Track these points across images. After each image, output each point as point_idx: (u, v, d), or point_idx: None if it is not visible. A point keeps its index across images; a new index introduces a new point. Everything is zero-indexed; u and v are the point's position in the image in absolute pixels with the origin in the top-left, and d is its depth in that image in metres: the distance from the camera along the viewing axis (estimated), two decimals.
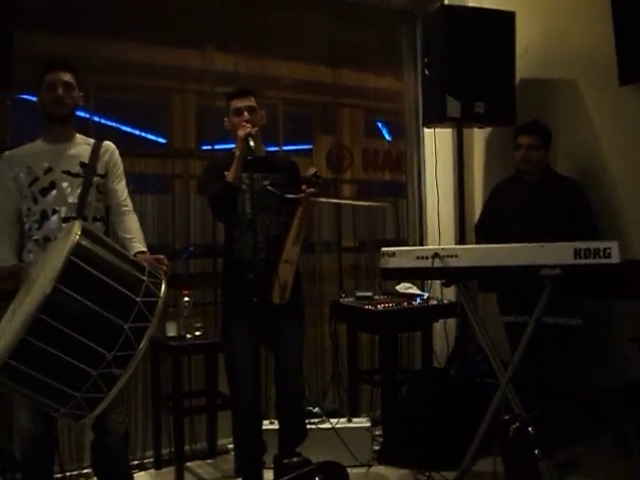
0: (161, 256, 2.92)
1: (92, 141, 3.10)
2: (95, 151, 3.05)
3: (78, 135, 3.10)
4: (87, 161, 3.01)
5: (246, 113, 3.35)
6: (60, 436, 3.36)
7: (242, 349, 3.33)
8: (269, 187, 3.30)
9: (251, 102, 3.40)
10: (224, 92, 3.89)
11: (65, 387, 2.30)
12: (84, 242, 2.38)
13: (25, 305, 2.38)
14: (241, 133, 3.22)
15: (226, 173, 3.30)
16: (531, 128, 3.91)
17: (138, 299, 2.40)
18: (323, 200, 3.51)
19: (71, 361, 2.27)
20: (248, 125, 3.25)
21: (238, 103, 3.39)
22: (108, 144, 3.13)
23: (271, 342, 3.43)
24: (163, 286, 2.53)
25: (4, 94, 3.66)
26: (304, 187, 3.32)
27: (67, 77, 2.98)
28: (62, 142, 3.02)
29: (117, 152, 3.14)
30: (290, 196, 3.31)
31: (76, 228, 2.43)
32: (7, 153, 3.04)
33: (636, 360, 3.45)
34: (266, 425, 3.66)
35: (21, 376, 2.28)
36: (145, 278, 2.48)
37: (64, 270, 2.26)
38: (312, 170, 3.40)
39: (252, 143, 3.17)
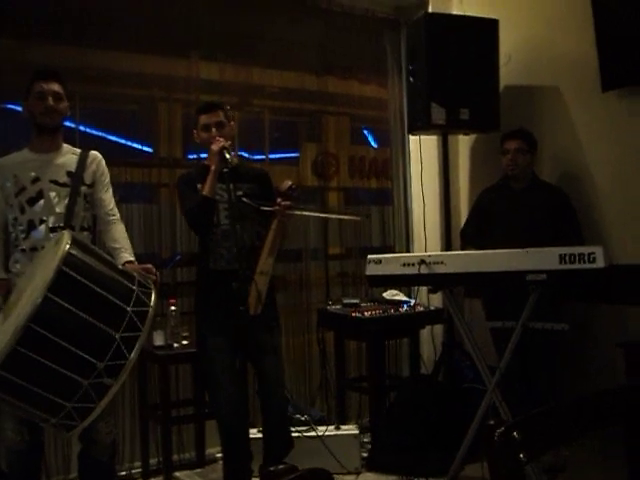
0: (149, 265, 2.92)
1: (79, 151, 3.10)
2: (82, 160, 3.05)
3: (65, 145, 3.09)
4: (74, 170, 3.01)
5: (214, 130, 3.37)
6: (47, 447, 3.34)
7: (222, 358, 3.34)
8: (244, 199, 3.31)
9: (219, 117, 3.42)
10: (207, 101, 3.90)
11: (56, 397, 2.29)
12: (74, 252, 2.38)
13: (15, 315, 2.37)
14: (215, 147, 3.24)
15: (199, 186, 3.31)
16: (518, 133, 3.96)
17: (129, 308, 2.40)
18: (297, 213, 3.52)
19: (62, 371, 2.26)
20: (221, 139, 3.27)
21: (206, 119, 3.41)
22: (95, 154, 3.13)
23: (249, 353, 3.43)
24: (153, 295, 2.54)
25: None
26: (279, 200, 3.33)
27: (56, 87, 2.97)
28: (49, 152, 3.01)
29: (104, 161, 3.14)
30: (265, 208, 3.32)
31: (66, 238, 2.43)
32: None
33: (622, 364, 3.47)
34: (253, 434, 3.65)
35: (11, 387, 2.27)
36: (135, 287, 2.49)
37: (55, 279, 2.26)
38: (287, 183, 3.41)
39: (228, 155, 3.18)
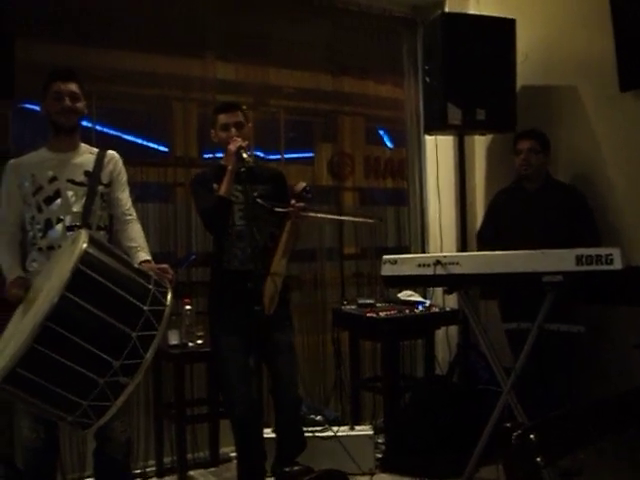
0: (165, 265, 2.92)
1: (96, 150, 3.12)
2: (99, 160, 3.06)
3: (82, 144, 3.11)
4: (92, 170, 3.02)
5: (233, 129, 3.38)
6: (62, 445, 3.36)
7: (236, 358, 3.35)
8: (259, 200, 3.31)
9: (238, 117, 3.43)
10: (226, 101, 3.92)
11: (72, 395, 2.31)
12: (91, 250, 2.39)
13: (32, 314, 2.39)
14: (232, 147, 3.24)
15: (215, 186, 3.32)
16: (531, 133, 3.95)
17: (145, 307, 2.40)
18: (312, 215, 3.52)
19: (78, 369, 2.27)
20: (239, 139, 3.27)
21: (225, 119, 3.42)
22: (112, 153, 3.14)
23: (264, 352, 3.43)
24: (169, 295, 2.54)
25: (6, 103, 3.66)
26: (293, 202, 3.33)
27: (73, 87, 2.99)
28: (67, 151, 3.02)
29: (121, 161, 3.15)
30: (280, 210, 3.33)
31: (83, 236, 2.44)
32: (12, 161, 3.04)
33: None
34: (267, 433, 3.65)
35: (28, 384, 2.28)
36: (152, 287, 2.49)
37: (72, 278, 2.27)
38: (302, 185, 3.42)
39: (244, 155, 3.18)
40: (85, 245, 2.37)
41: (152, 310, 2.41)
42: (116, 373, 2.30)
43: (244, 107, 3.62)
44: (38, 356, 2.22)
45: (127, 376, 2.32)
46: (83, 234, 2.48)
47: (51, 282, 2.42)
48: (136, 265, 2.77)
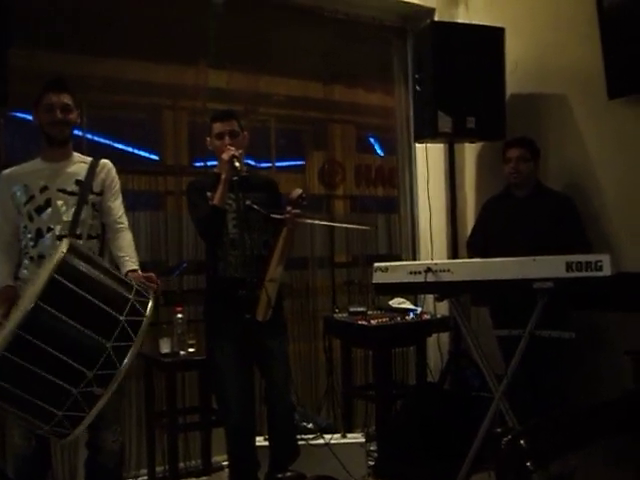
0: (151, 274, 2.93)
1: (89, 159, 3.13)
2: (92, 169, 3.08)
3: (75, 154, 3.12)
4: (83, 179, 3.03)
5: (227, 138, 3.39)
6: (53, 454, 3.34)
7: (231, 366, 3.34)
8: (255, 206, 3.33)
9: (233, 126, 3.44)
10: (216, 109, 3.93)
11: (46, 405, 2.31)
12: (70, 260, 2.40)
13: (9, 321, 2.39)
14: (225, 156, 3.27)
15: (209, 194, 3.33)
16: (520, 141, 3.96)
17: (122, 318, 2.40)
18: (308, 221, 3.54)
19: (51, 379, 2.27)
20: (232, 148, 3.29)
21: (220, 127, 3.43)
22: (105, 162, 3.15)
23: (258, 359, 3.44)
24: (149, 305, 2.54)
25: None
26: (289, 208, 3.35)
27: (66, 99, 3.00)
28: (59, 161, 3.05)
29: (114, 170, 3.17)
30: (276, 216, 3.34)
31: (63, 246, 2.45)
32: (5, 171, 3.06)
33: (630, 372, 3.45)
34: (260, 441, 3.65)
35: (4, 393, 2.29)
36: (131, 297, 2.49)
37: (46, 288, 2.28)
38: (298, 191, 3.44)
39: (237, 164, 3.21)
40: (62, 255, 2.37)
41: (129, 320, 2.41)
42: (90, 383, 2.30)
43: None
44: (10, 365, 2.23)
45: (101, 386, 2.32)
46: (64, 243, 2.50)
47: (30, 291, 2.43)
48: (121, 275, 2.77)
